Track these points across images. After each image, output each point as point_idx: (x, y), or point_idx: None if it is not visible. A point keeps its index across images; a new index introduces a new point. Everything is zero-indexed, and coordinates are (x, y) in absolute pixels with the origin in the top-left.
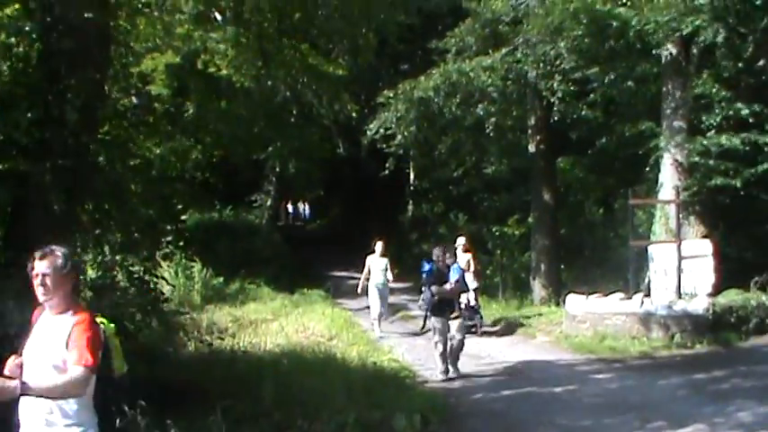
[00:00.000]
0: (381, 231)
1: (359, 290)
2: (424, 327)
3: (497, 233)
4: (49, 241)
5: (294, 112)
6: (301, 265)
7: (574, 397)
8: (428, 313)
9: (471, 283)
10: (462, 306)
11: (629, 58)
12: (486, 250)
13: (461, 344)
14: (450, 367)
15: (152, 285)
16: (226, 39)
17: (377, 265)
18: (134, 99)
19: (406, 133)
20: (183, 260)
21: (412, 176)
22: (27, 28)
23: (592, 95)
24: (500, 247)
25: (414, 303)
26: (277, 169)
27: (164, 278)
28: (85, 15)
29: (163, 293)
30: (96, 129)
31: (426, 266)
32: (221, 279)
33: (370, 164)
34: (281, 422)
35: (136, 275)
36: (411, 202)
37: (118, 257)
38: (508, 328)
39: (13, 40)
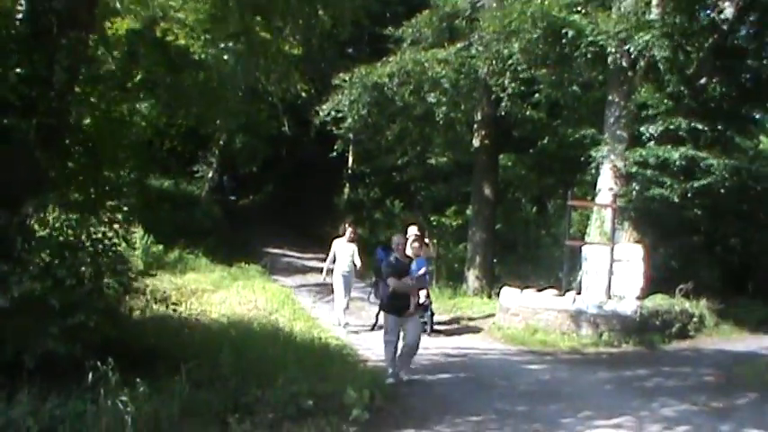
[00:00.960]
0: (317, 212)
1: (323, 275)
2: (376, 323)
3: (435, 223)
4: (24, 197)
5: (242, 87)
6: (237, 239)
7: (509, 384)
8: (380, 309)
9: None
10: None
11: (577, 63)
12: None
13: (416, 345)
14: (400, 371)
15: (114, 248)
16: (184, 7)
17: (344, 250)
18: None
19: (356, 117)
20: (125, 225)
21: (350, 160)
22: None
23: (537, 95)
24: (437, 237)
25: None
26: (221, 142)
27: (126, 239)
28: None
29: (123, 256)
30: (76, 89)
31: (382, 255)
32: (161, 247)
33: (309, 144)
34: (237, 388)
35: (98, 236)
36: (348, 185)
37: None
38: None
39: None
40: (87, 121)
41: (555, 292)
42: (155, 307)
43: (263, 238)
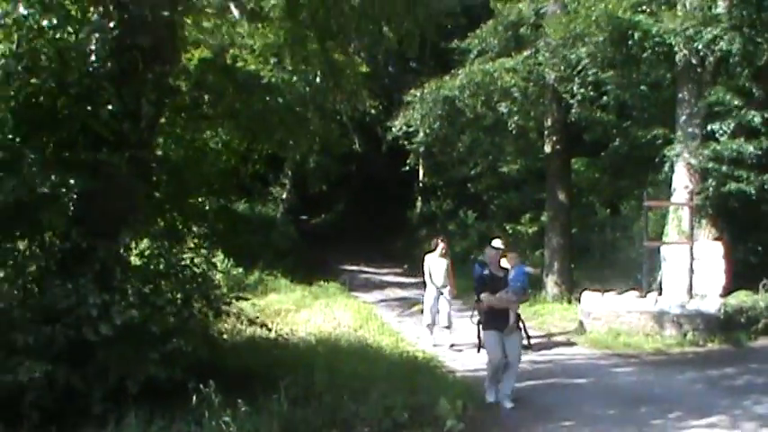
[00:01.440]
0: (390, 227)
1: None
2: (479, 344)
3: (510, 231)
4: (119, 228)
5: (312, 108)
6: (315, 259)
7: (597, 388)
8: (479, 327)
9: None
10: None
11: (645, 63)
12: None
13: (518, 362)
14: (503, 395)
15: (203, 274)
16: (250, 33)
17: (437, 266)
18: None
19: (428, 131)
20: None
21: (421, 174)
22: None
23: (605, 98)
24: (512, 245)
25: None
26: (294, 163)
27: (215, 266)
28: (157, 12)
29: (215, 281)
30: (162, 121)
31: (479, 271)
32: (241, 270)
33: (379, 160)
34: (332, 404)
35: (190, 263)
36: (419, 198)
37: (166, 244)
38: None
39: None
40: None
41: (636, 294)
42: (243, 328)
43: (338, 256)
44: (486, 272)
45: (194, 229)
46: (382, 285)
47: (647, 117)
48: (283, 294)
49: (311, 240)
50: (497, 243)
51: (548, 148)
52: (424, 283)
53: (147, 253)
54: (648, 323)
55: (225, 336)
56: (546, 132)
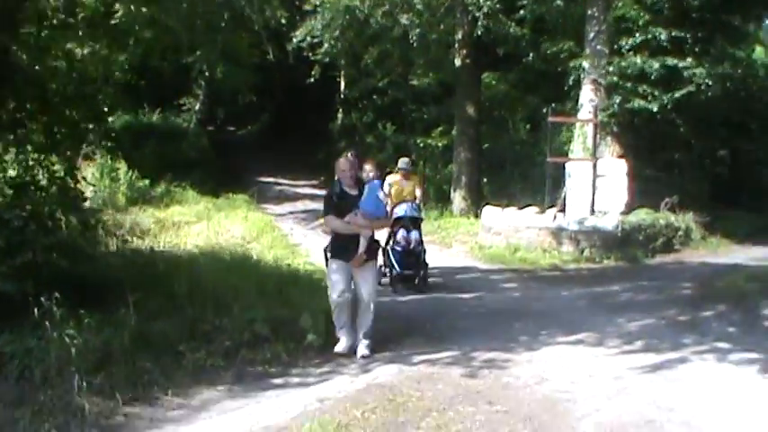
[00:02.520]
0: (312, 139)
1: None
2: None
3: (422, 144)
4: None
5: (225, 16)
6: (228, 170)
7: (480, 302)
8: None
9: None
10: (380, 247)
11: None
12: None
13: (371, 302)
14: (356, 340)
15: (71, 184)
16: None
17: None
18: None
19: (332, 42)
20: (109, 161)
21: (342, 85)
22: None
23: (522, 12)
24: (424, 159)
25: None
26: (206, 73)
27: (84, 178)
28: None
29: (83, 193)
30: (16, 30)
31: (331, 189)
32: (147, 181)
33: (299, 71)
34: (194, 316)
35: (57, 175)
36: (341, 110)
37: (37, 156)
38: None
39: None
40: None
41: (536, 209)
42: (125, 238)
43: (257, 168)
44: (337, 189)
45: (61, 139)
46: (295, 197)
47: (562, 34)
48: (187, 206)
49: (233, 152)
50: (404, 163)
51: (458, 62)
52: None
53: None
54: (546, 239)
55: (111, 247)
56: (456, 45)
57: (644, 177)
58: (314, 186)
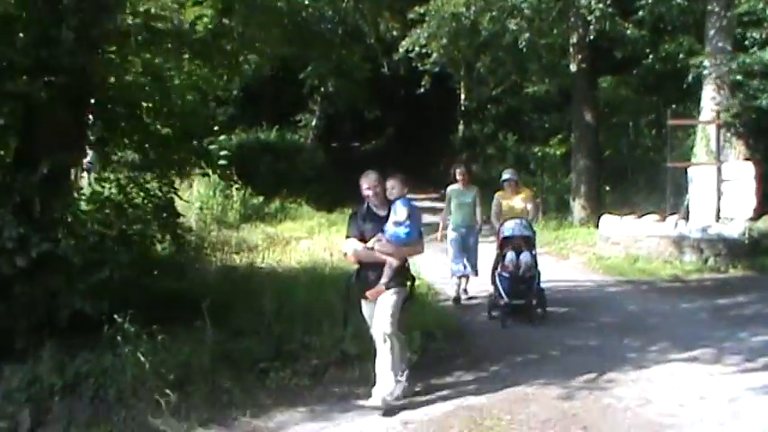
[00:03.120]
0: (433, 152)
1: (438, 237)
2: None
3: (540, 153)
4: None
5: (339, 31)
6: (347, 185)
7: (591, 317)
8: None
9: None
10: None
11: None
12: (530, 171)
13: (384, 343)
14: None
15: (164, 203)
16: None
17: (460, 199)
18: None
19: (440, 50)
20: (221, 180)
21: (462, 96)
22: None
23: (641, 13)
24: (542, 168)
25: None
26: (322, 89)
27: (177, 194)
28: None
29: (177, 211)
30: (95, 48)
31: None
32: (261, 198)
33: (417, 83)
34: (281, 334)
35: (151, 193)
36: (462, 122)
37: (131, 174)
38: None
39: None
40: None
41: (656, 217)
42: (236, 257)
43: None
44: (363, 209)
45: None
46: None
47: (681, 31)
48: (299, 222)
49: (354, 167)
50: (508, 175)
51: (573, 67)
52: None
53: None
54: (668, 248)
55: (204, 265)
56: (571, 50)
57: None
58: (433, 200)
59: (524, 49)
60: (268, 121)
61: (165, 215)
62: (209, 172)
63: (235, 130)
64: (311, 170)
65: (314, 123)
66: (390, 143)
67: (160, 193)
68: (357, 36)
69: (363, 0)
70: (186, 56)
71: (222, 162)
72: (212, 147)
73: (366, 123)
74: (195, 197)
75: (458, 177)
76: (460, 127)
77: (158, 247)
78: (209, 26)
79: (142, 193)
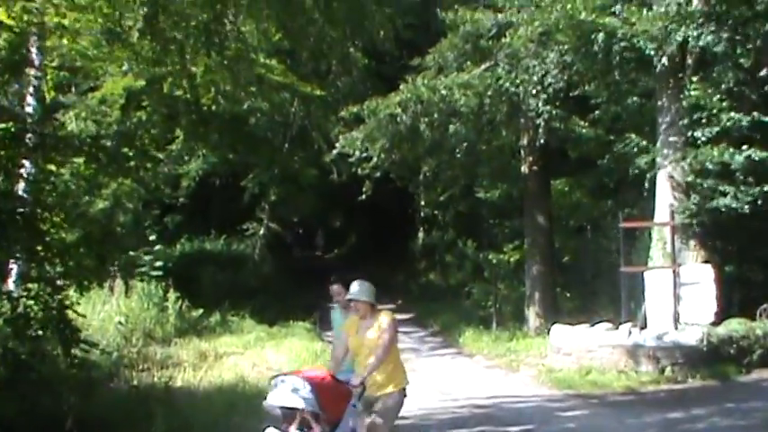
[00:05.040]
0: (393, 261)
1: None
2: None
3: (494, 260)
4: None
5: (286, 136)
6: (298, 296)
7: None
8: None
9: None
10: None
11: (626, 71)
12: (485, 279)
13: None
14: None
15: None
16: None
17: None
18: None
19: (382, 155)
20: (158, 290)
21: (423, 202)
22: None
23: (597, 112)
24: (496, 276)
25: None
26: (272, 197)
27: (74, 310)
28: None
29: (76, 327)
30: None
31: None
32: (200, 311)
33: (386, 190)
34: None
35: (50, 306)
36: (422, 228)
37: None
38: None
39: None
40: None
41: (609, 325)
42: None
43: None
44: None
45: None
46: None
47: (635, 130)
48: (238, 336)
49: (310, 277)
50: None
51: (524, 169)
52: None
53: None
54: (622, 358)
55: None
56: (522, 152)
57: (735, 282)
58: (390, 311)
59: (459, 154)
60: (217, 229)
61: (62, 328)
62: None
63: (180, 239)
64: (257, 281)
65: (261, 232)
66: (352, 252)
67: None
68: (302, 141)
69: (311, 104)
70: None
71: (156, 273)
72: (147, 257)
73: (331, 232)
74: (116, 310)
75: (334, 298)
76: (420, 234)
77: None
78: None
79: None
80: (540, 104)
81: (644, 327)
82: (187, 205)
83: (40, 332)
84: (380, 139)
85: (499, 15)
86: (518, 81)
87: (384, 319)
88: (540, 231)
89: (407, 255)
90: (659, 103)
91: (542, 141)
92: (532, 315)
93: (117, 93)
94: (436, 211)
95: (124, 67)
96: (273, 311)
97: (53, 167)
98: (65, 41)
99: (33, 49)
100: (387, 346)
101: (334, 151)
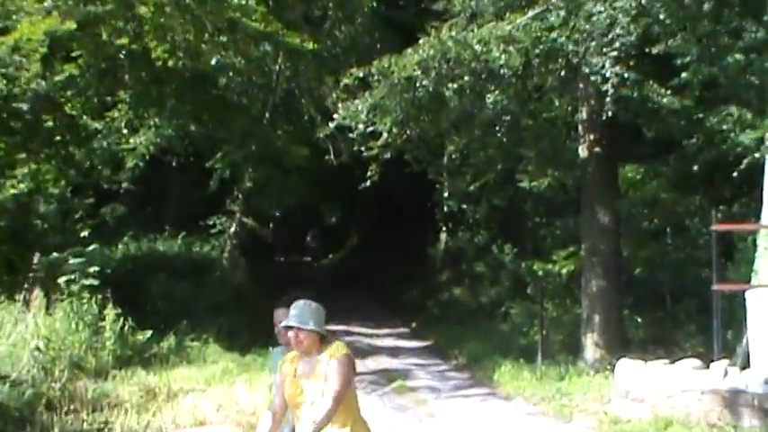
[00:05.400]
0: (407, 270)
1: None
2: None
3: (540, 272)
4: None
5: (267, 104)
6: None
7: None
8: None
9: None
10: None
11: (726, 18)
12: (528, 297)
13: None
14: None
15: None
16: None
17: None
18: None
19: (394, 129)
20: (92, 306)
21: (446, 193)
22: None
23: (684, 75)
24: (542, 293)
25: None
26: (248, 183)
27: None
28: None
29: None
30: None
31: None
32: (149, 333)
33: (400, 181)
34: None
35: None
36: (444, 228)
37: None
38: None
39: None
40: None
41: (696, 363)
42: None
43: (328, 310)
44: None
45: None
46: (370, 352)
47: (736, 99)
48: (198, 368)
49: (297, 289)
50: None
51: (583, 152)
52: None
53: None
54: (715, 408)
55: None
56: (580, 129)
57: None
58: (399, 336)
59: (501, 131)
60: (174, 224)
61: None
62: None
63: (123, 237)
64: (226, 294)
65: (233, 230)
66: (353, 257)
67: None
68: (289, 110)
69: (300, 60)
70: None
71: (89, 282)
72: (77, 260)
73: (325, 230)
74: (33, 331)
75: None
76: (443, 236)
77: None
78: None
79: None
80: (607, 65)
81: (745, 366)
82: (133, 192)
83: None
84: (393, 110)
85: None
86: (577, 33)
87: (334, 356)
88: (602, 234)
89: (425, 262)
90: None
91: (608, 114)
92: (591, 346)
93: (36, 38)
94: (464, 206)
95: (46, 3)
96: (247, 335)
97: None
98: None
99: None
100: (337, 395)
101: (331, 124)
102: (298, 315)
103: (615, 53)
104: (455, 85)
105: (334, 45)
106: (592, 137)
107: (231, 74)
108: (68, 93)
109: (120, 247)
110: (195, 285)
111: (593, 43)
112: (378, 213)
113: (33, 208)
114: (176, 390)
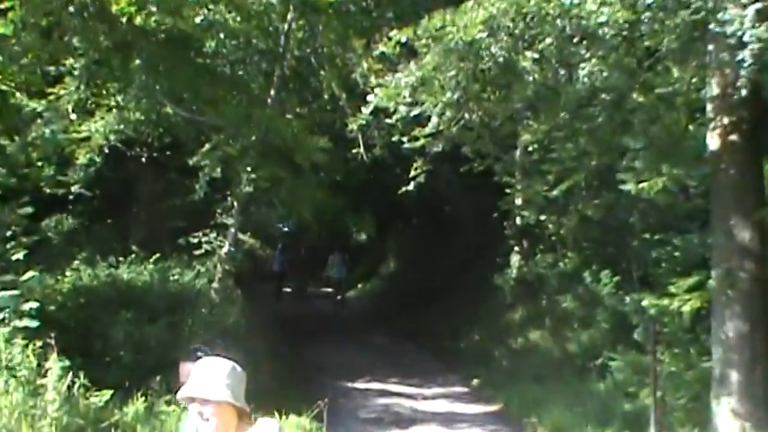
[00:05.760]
0: (466, 305)
1: None
2: None
3: (652, 310)
4: None
5: (272, 77)
6: (285, 367)
7: None
8: None
9: None
10: None
11: None
12: (635, 343)
13: None
14: None
15: None
16: None
17: None
18: None
19: (448, 112)
20: (28, 358)
21: (519, 200)
22: None
23: None
24: (656, 338)
25: None
26: (246, 187)
27: None
28: None
29: None
30: None
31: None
32: (108, 394)
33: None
34: None
35: None
36: (517, 248)
37: None
38: None
39: None
40: None
41: None
42: None
43: (348, 361)
44: None
45: None
46: (414, 420)
47: None
48: None
49: (324, 330)
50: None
51: (712, 142)
52: None
53: None
54: None
55: None
56: (710, 110)
57: None
58: (456, 398)
59: (599, 115)
60: (143, 243)
61: None
62: None
63: (72, 261)
64: (216, 338)
65: (225, 250)
66: (391, 288)
67: None
68: (302, 85)
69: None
70: None
71: (24, 323)
72: (7, 293)
73: (354, 252)
74: None
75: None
76: (514, 258)
77: None
78: None
79: None
80: (746, 21)
81: None
82: (87, 199)
83: None
84: (447, 86)
85: None
86: None
87: None
88: (741, 257)
89: (490, 296)
90: None
91: (747, 90)
92: (726, 413)
93: None
94: (543, 217)
95: None
96: (246, 396)
97: None
98: None
99: None
100: None
101: (365, 109)
102: (203, 379)
103: (759, 4)
104: (532, 51)
105: None
106: (725, 120)
107: (222, 35)
108: None
109: (68, 274)
110: (172, 328)
111: None
112: (423, 229)
113: None
114: None
